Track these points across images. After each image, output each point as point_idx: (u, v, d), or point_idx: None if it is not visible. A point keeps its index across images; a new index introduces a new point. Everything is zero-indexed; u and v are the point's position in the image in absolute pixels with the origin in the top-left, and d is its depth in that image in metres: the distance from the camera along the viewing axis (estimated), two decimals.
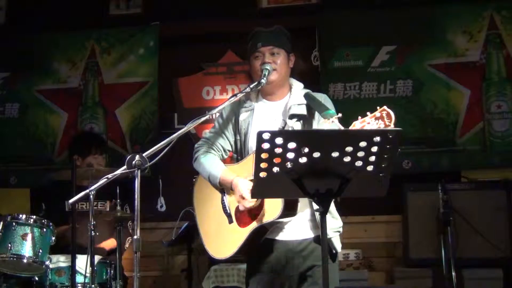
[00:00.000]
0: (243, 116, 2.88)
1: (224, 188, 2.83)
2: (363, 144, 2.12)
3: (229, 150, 2.95)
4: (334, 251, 2.77)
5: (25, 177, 5.46)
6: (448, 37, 5.07)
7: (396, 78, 5.10)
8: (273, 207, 2.63)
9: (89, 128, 5.43)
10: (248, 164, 2.69)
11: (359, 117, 2.33)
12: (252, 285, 2.83)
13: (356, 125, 2.32)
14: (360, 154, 2.14)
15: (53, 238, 3.67)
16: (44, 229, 3.60)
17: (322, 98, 2.81)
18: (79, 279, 3.55)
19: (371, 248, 4.94)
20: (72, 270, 3.43)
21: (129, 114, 5.43)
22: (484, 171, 4.93)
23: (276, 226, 2.76)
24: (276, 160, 2.15)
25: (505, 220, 4.54)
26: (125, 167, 2.48)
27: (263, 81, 2.75)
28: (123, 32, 5.51)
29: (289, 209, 2.63)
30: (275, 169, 2.17)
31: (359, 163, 2.16)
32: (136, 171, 2.45)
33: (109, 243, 4.13)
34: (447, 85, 5.03)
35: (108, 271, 3.76)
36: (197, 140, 3.00)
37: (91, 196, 2.76)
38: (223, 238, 2.83)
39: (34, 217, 3.65)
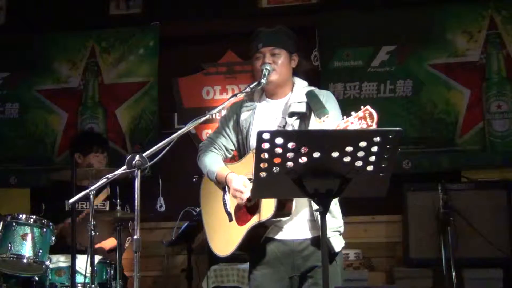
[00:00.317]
0: (244, 115, 2.90)
1: (225, 186, 2.84)
2: (363, 144, 2.12)
3: (232, 149, 2.98)
4: (332, 252, 2.74)
5: (25, 177, 5.44)
6: (448, 37, 5.06)
7: (396, 78, 5.09)
8: (267, 207, 2.64)
9: (89, 128, 5.42)
10: (248, 162, 2.71)
11: (344, 117, 2.34)
12: (253, 280, 2.84)
13: (341, 125, 2.32)
14: (360, 154, 2.14)
15: (53, 238, 3.67)
16: (44, 229, 3.60)
17: (325, 95, 2.82)
18: (79, 279, 3.56)
19: (371, 248, 4.93)
20: (72, 270, 3.43)
21: (129, 114, 5.42)
22: (484, 171, 4.92)
23: (275, 225, 2.76)
24: (276, 160, 2.16)
25: (505, 220, 4.53)
26: (125, 167, 2.49)
27: (263, 81, 2.77)
28: (123, 32, 5.50)
29: (282, 209, 2.63)
30: (275, 169, 2.18)
31: (359, 163, 2.16)
32: (136, 171, 2.46)
33: (109, 242, 4.13)
34: (447, 85, 5.02)
35: (108, 271, 3.76)
36: (197, 140, 3.02)
37: (91, 196, 2.76)
38: (223, 236, 2.85)
39: (34, 217, 3.65)
